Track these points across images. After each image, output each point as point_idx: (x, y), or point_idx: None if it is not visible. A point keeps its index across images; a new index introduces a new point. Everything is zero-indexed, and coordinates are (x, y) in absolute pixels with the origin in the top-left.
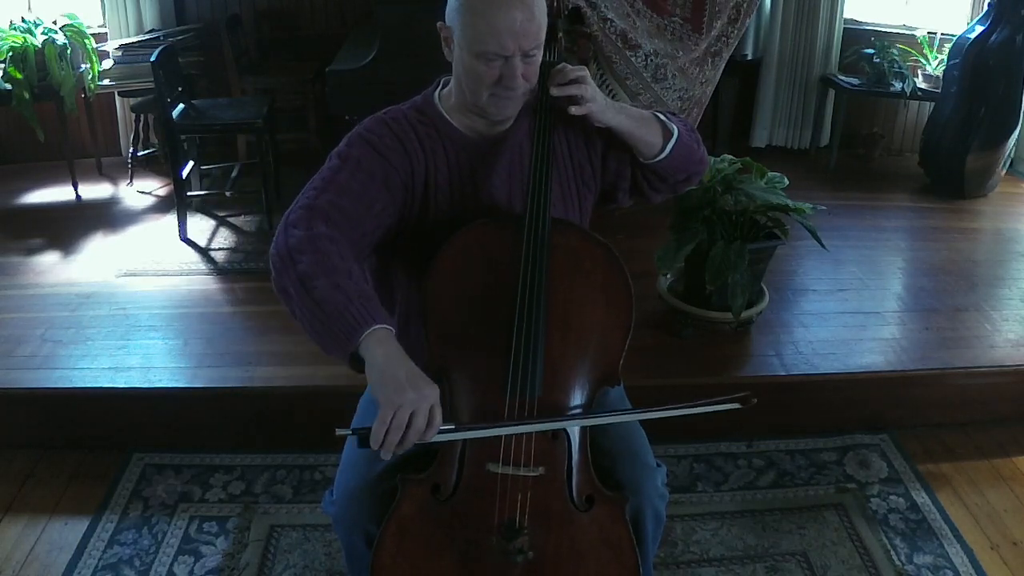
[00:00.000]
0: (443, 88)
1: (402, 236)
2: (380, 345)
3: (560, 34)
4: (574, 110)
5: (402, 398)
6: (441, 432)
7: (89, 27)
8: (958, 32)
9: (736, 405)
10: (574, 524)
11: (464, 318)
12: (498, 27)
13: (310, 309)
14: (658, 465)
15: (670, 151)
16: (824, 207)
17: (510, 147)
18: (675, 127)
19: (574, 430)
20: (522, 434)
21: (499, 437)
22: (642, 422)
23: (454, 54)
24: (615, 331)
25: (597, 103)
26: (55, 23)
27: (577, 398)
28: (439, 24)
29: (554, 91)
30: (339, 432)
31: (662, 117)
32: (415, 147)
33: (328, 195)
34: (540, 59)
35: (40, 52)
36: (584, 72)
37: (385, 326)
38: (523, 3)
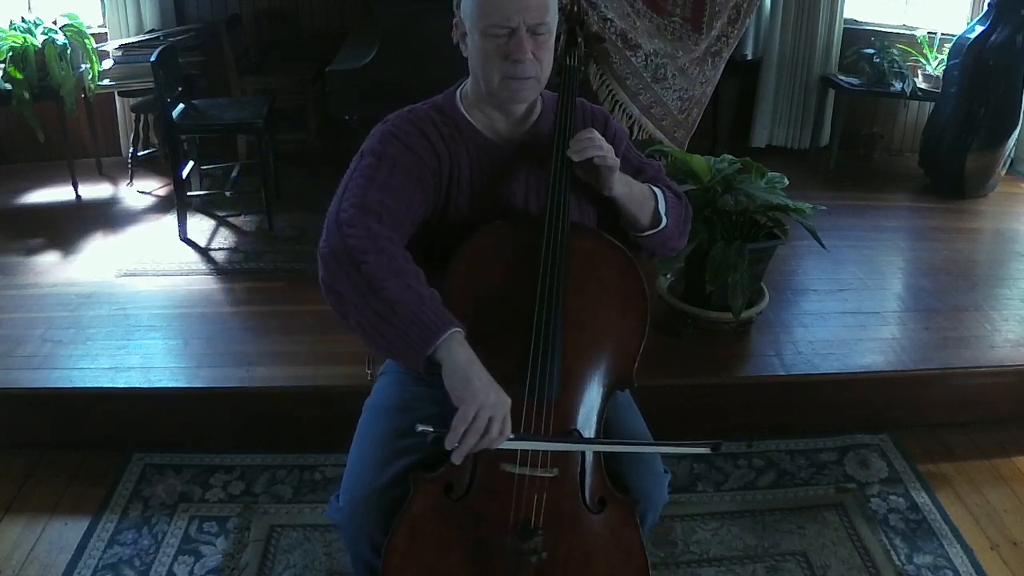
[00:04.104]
0: (462, 88)
1: (420, 234)
2: (461, 347)
3: (579, 39)
4: (597, 160)
5: (485, 399)
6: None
7: (89, 27)
8: (958, 32)
9: (706, 451)
10: (586, 526)
11: (481, 318)
12: (502, 1)
13: (377, 312)
14: (665, 471)
15: (648, 236)
16: (824, 207)
17: (529, 151)
18: (666, 220)
19: (591, 431)
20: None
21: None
22: (648, 422)
23: (468, 42)
24: (630, 335)
25: (614, 173)
26: (55, 23)
27: (592, 401)
28: (454, 21)
29: (575, 157)
30: (420, 428)
31: (661, 209)
32: (441, 145)
33: (374, 193)
34: (551, 43)
35: (40, 52)
36: (603, 140)
37: (460, 328)
38: None
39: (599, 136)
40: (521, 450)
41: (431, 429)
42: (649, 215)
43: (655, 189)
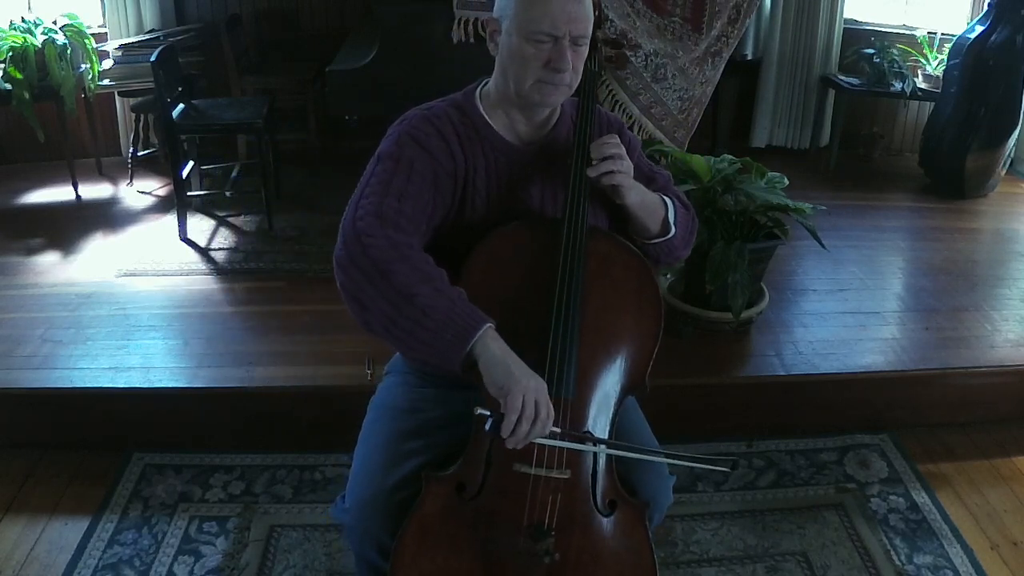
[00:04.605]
0: (483, 87)
1: (436, 235)
2: (495, 341)
3: (600, 44)
4: (605, 180)
5: (528, 385)
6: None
7: (89, 27)
8: (958, 32)
9: (727, 469)
10: (597, 527)
11: (497, 317)
12: (551, 7)
13: (411, 318)
14: (670, 474)
15: (655, 244)
16: (824, 207)
17: (547, 154)
18: (674, 230)
19: (602, 434)
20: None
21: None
22: (649, 423)
23: (502, 42)
24: (644, 339)
25: (627, 182)
26: (55, 23)
27: (606, 403)
28: (486, 19)
29: (590, 172)
30: (478, 411)
31: (670, 218)
32: (457, 147)
33: (391, 200)
34: (586, 54)
35: (40, 52)
36: (622, 150)
37: (492, 323)
38: None
39: (618, 142)
40: (536, 452)
41: (488, 413)
42: (659, 224)
43: (665, 199)
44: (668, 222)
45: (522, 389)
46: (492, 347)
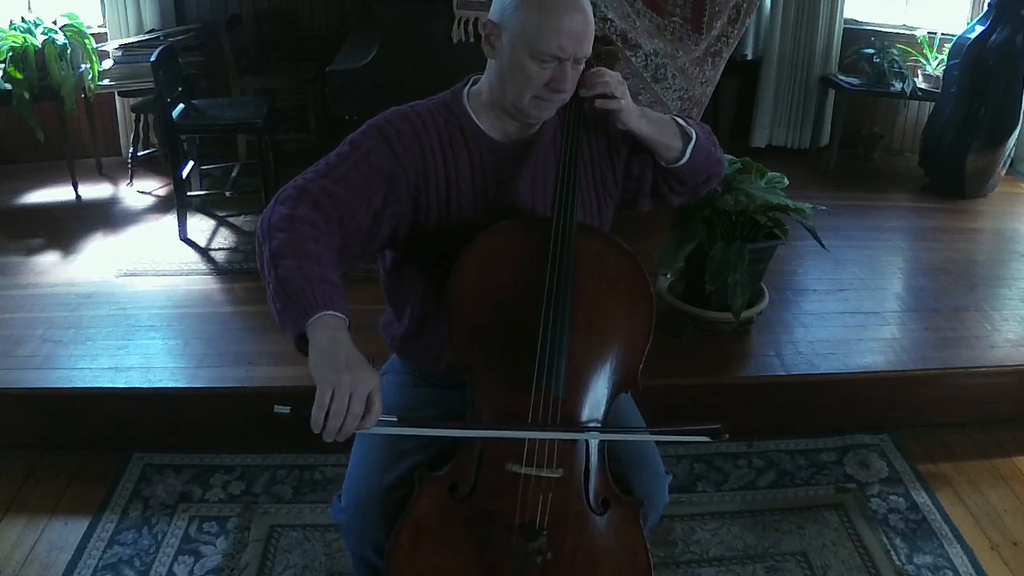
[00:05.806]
0: (472, 86)
1: (422, 237)
2: (327, 329)
3: None
4: (599, 103)
5: (338, 379)
6: (384, 423)
7: (89, 27)
8: (958, 32)
9: (705, 438)
10: (590, 526)
11: (489, 317)
12: (562, 29)
13: (273, 284)
14: (667, 472)
15: (690, 155)
16: (824, 207)
17: (535, 153)
18: (693, 131)
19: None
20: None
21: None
22: (648, 423)
23: (503, 52)
24: (636, 337)
25: (625, 106)
26: (55, 23)
27: (598, 401)
28: (485, 21)
29: (582, 92)
30: (277, 409)
31: (680, 122)
32: (434, 150)
33: (325, 181)
34: (583, 67)
35: (40, 52)
36: (615, 76)
37: (337, 314)
38: (584, 10)
39: (610, 73)
40: (527, 451)
41: (286, 411)
42: (677, 136)
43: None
44: (684, 128)
45: (331, 383)
46: (320, 335)
